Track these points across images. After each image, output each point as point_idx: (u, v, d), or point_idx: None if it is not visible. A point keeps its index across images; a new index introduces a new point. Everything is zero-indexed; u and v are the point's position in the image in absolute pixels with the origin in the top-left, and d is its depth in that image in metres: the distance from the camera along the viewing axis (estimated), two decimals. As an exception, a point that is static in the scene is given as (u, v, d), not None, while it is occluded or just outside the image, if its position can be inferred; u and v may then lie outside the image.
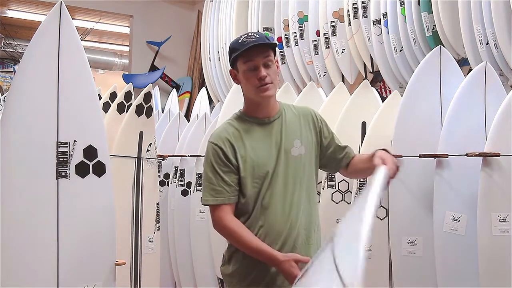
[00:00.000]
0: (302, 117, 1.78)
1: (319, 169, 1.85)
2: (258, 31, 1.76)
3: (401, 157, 2.44)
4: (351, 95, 2.87)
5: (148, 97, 2.88)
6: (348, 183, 2.69)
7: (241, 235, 1.63)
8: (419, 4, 3.19)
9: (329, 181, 2.69)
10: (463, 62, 3.06)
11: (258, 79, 1.65)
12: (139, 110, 2.85)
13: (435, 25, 3.11)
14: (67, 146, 1.95)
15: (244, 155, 1.67)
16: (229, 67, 1.76)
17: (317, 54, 3.96)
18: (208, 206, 1.71)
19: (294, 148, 1.72)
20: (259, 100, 1.70)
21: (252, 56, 1.64)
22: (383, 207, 2.44)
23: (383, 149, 1.65)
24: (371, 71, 3.76)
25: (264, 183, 1.67)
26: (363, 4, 3.56)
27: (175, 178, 3.65)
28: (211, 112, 4.65)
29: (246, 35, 1.67)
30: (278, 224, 1.66)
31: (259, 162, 1.67)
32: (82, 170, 1.98)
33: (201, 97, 5.00)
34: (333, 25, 3.81)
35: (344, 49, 3.81)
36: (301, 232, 1.70)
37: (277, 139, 1.71)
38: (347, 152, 1.82)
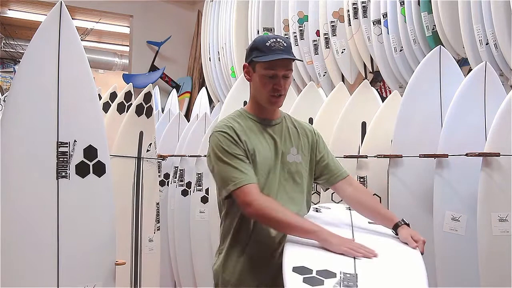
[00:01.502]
0: (300, 129, 1.80)
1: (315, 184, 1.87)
2: (285, 38, 1.72)
3: (401, 157, 2.45)
4: (351, 95, 2.87)
5: (148, 97, 2.88)
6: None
7: (285, 212, 1.56)
8: (419, 4, 3.19)
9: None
10: (463, 62, 3.06)
11: (274, 88, 1.65)
12: (139, 110, 2.85)
13: (435, 25, 3.11)
14: (67, 146, 1.95)
15: (249, 149, 1.66)
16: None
17: (317, 54, 3.96)
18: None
19: (290, 154, 1.73)
20: (265, 106, 1.72)
21: (275, 65, 1.63)
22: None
23: (404, 222, 1.65)
24: (371, 71, 3.76)
25: (261, 180, 1.66)
26: (363, 4, 3.56)
27: (175, 178, 3.65)
28: (211, 112, 4.65)
29: (274, 40, 1.65)
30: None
31: (260, 158, 1.67)
32: (82, 170, 1.98)
33: (201, 97, 5.00)
34: (333, 25, 3.82)
35: (344, 49, 3.81)
36: None
37: (277, 142, 1.72)
38: (339, 171, 1.81)
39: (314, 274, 1.28)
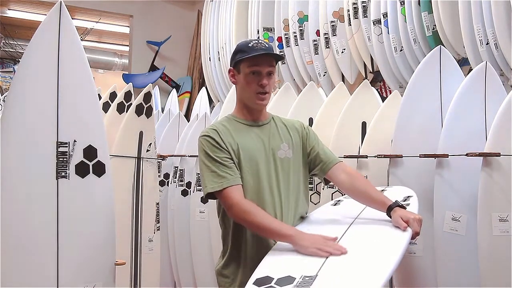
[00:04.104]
0: (290, 126, 1.83)
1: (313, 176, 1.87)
2: (267, 41, 1.78)
3: (401, 157, 2.44)
4: (351, 95, 2.87)
5: (148, 97, 2.88)
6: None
7: (263, 216, 1.59)
8: (419, 4, 3.19)
9: (329, 181, 2.69)
10: (463, 62, 3.06)
11: (260, 85, 1.69)
12: (139, 110, 2.85)
13: (435, 25, 3.11)
14: (67, 146, 1.95)
15: (234, 149, 1.69)
16: (229, 66, 1.77)
17: (317, 54, 3.96)
18: (213, 200, 1.70)
19: (281, 150, 1.75)
20: (252, 106, 1.74)
21: (259, 62, 1.69)
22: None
23: (397, 205, 1.61)
24: (371, 71, 3.76)
25: (253, 178, 1.68)
26: (363, 4, 3.56)
27: (175, 178, 3.65)
28: (211, 112, 4.65)
29: (256, 41, 1.72)
30: None
31: (247, 157, 1.69)
32: (82, 170, 1.98)
33: (201, 97, 5.00)
34: (333, 25, 3.82)
35: (344, 49, 3.81)
36: None
37: (264, 141, 1.74)
38: (330, 158, 1.80)
39: (273, 283, 1.29)
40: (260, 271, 1.39)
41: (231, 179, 1.63)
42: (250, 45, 1.70)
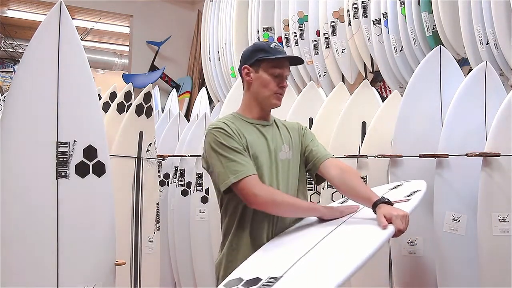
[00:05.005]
0: (290, 127, 1.86)
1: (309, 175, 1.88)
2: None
3: (401, 157, 2.45)
4: (351, 95, 2.87)
5: (148, 97, 2.88)
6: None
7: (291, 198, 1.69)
8: (419, 4, 3.19)
9: (329, 181, 2.69)
10: (463, 62, 3.06)
11: (280, 87, 1.74)
12: (139, 110, 2.85)
13: (435, 25, 3.11)
14: (67, 146, 1.95)
15: (243, 144, 1.68)
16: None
17: (317, 54, 3.96)
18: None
19: (282, 152, 1.76)
20: (264, 105, 1.76)
21: (282, 65, 1.75)
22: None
23: (383, 201, 1.56)
24: (371, 71, 3.76)
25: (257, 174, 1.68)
26: (363, 4, 3.56)
27: (175, 178, 3.65)
28: (211, 112, 4.65)
29: (276, 44, 1.77)
30: (266, 219, 1.68)
31: (254, 153, 1.69)
32: (82, 170, 1.98)
33: (201, 97, 5.01)
34: (333, 25, 3.82)
35: (344, 49, 3.81)
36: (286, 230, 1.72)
37: (268, 141, 1.75)
38: (321, 153, 1.81)
39: (240, 285, 1.28)
40: (236, 272, 1.39)
41: (252, 167, 1.63)
42: (272, 46, 1.74)
